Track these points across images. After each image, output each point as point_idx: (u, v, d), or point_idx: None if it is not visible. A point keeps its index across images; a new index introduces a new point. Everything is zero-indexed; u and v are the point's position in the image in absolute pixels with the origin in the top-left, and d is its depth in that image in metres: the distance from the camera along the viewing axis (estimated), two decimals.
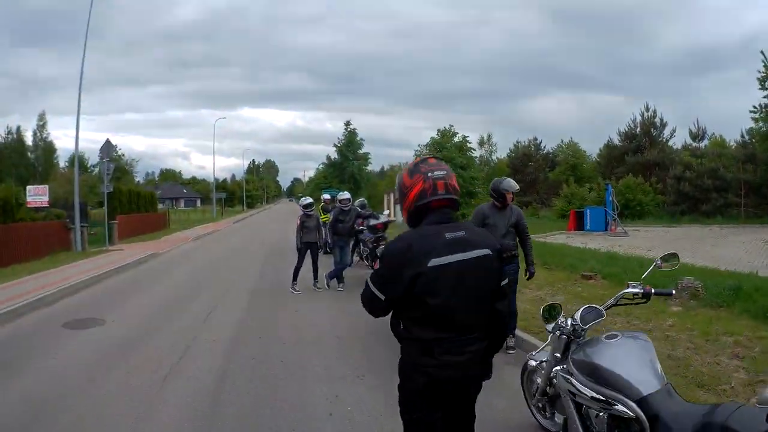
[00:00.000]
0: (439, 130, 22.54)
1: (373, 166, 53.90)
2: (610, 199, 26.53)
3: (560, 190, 39.26)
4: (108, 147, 22.10)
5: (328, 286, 11.28)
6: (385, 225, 12.08)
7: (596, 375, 3.01)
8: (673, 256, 3.94)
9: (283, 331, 7.93)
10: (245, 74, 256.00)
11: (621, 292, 3.63)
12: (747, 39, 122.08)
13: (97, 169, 41.81)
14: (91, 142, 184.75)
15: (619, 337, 3.18)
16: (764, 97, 28.09)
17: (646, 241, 20.67)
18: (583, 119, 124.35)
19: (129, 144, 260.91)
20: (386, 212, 13.22)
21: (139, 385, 5.70)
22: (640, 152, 40.19)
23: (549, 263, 13.12)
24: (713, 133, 41.00)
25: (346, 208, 11.57)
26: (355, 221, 11.77)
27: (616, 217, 26.10)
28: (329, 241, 11.72)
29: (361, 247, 13.44)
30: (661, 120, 41.91)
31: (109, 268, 14.66)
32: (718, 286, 8.42)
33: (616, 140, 44.27)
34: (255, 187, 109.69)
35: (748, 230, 25.01)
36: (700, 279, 8.80)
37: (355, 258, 12.32)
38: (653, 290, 3.63)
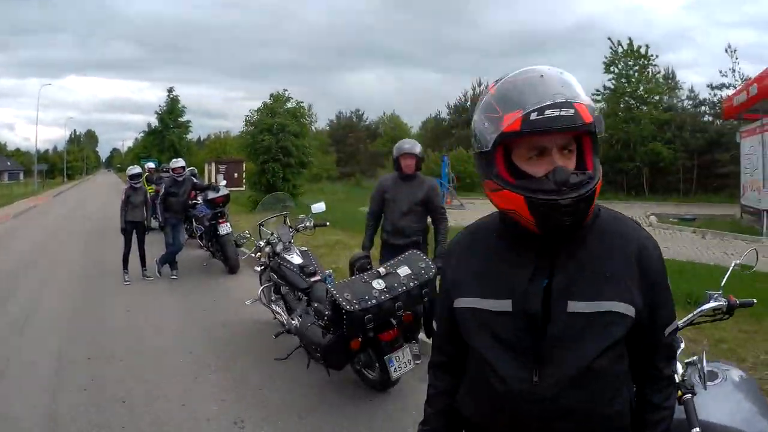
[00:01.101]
0: (271, 95, 21.36)
1: (192, 136, 51.28)
2: (446, 171, 27.27)
3: (386, 161, 40.44)
4: None
5: (160, 273, 9.86)
6: (226, 199, 10.70)
7: None
8: (752, 254, 2.74)
9: (118, 344, 6.36)
10: (76, 41, 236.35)
11: (699, 309, 2.53)
12: (574, 28, 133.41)
13: None
14: None
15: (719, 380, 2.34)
16: (609, 80, 31.93)
17: (483, 214, 21.45)
18: (402, 95, 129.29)
19: None
20: (223, 182, 11.73)
21: None
22: (469, 126, 41.67)
23: None
24: None
25: (180, 179, 10.04)
26: (189, 194, 10.44)
27: (451, 189, 26.89)
28: (160, 219, 9.99)
29: (194, 224, 11.87)
30: None
31: None
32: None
33: (445, 114, 46.06)
34: (76, 158, 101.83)
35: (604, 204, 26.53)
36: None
37: (184, 237, 10.62)
38: (737, 301, 2.52)
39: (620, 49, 32.29)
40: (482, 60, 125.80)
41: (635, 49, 32.15)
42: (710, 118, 32.66)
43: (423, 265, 4.36)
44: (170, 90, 47.56)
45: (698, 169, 30.65)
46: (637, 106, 31.61)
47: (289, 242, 6.17)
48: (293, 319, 5.45)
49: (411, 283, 4.19)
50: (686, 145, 30.50)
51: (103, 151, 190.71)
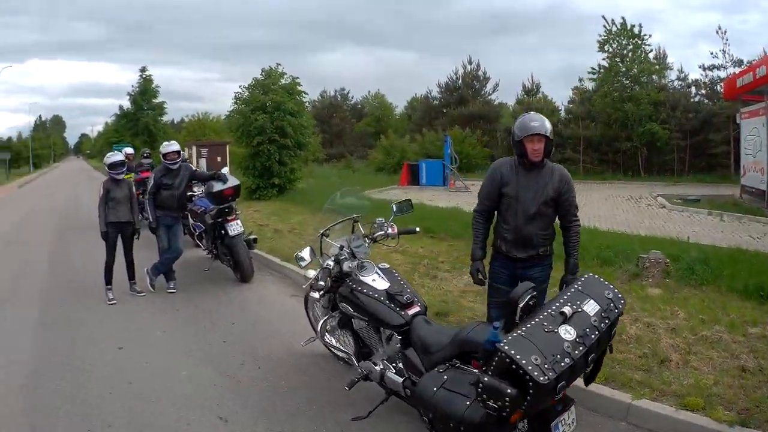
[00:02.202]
0: (263, 70, 18.96)
1: (166, 118, 48.29)
2: (449, 151, 25.26)
3: (374, 142, 38.82)
4: None
5: (153, 287, 7.75)
6: (237, 191, 8.30)
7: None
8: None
9: (110, 414, 4.23)
10: (37, 23, 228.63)
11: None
12: (545, 8, 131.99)
13: None
14: None
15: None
16: (603, 59, 31.50)
17: None
18: (378, 75, 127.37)
19: None
20: (225, 169, 9.36)
21: None
22: (462, 105, 39.87)
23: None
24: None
25: (175, 166, 7.80)
26: (188, 185, 8.19)
27: (455, 170, 24.93)
28: (151, 218, 7.74)
29: (191, 221, 9.56)
30: (484, 74, 42.05)
31: None
32: (682, 260, 6.91)
33: (436, 92, 43.79)
34: (42, 145, 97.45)
35: (597, 186, 25.19)
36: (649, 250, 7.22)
37: (182, 240, 8.25)
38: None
39: (614, 28, 31.55)
40: (456, 41, 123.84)
41: (629, 28, 31.40)
42: (701, 99, 32.79)
43: (610, 295, 3.11)
44: (143, 69, 44.40)
45: (691, 149, 30.73)
46: (632, 86, 31.21)
47: (366, 258, 4.37)
48: (376, 365, 4.10)
49: (602, 324, 2.96)
50: (680, 125, 30.43)
51: (71, 137, 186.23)
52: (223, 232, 8.09)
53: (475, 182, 25.94)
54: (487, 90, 42.01)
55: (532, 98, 37.43)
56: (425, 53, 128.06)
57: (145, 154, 15.22)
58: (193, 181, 8.67)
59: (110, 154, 7.76)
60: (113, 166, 7.43)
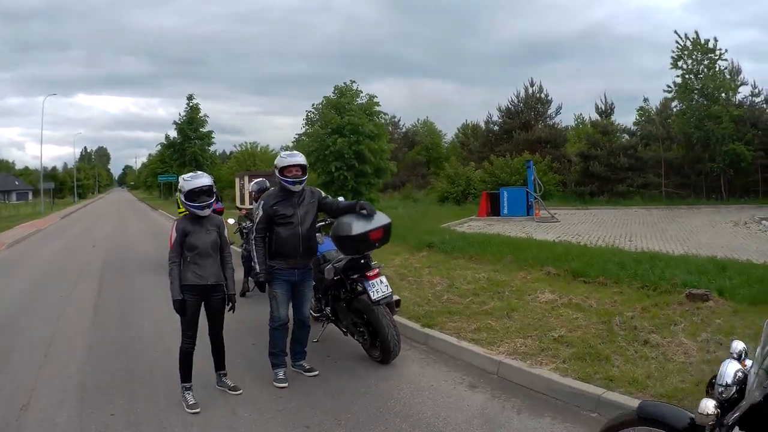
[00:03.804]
0: (336, 87, 16.64)
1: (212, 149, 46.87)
2: (532, 177, 22.52)
3: (426, 171, 36.17)
4: None
5: (282, 381, 5.06)
6: (387, 233, 5.42)
7: None
8: None
9: None
10: (85, 58, 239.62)
11: None
12: (584, 34, 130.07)
13: None
14: None
15: None
16: (677, 76, 29.55)
17: (593, 228, 17.88)
18: (417, 105, 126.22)
19: None
20: (340, 197, 6.75)
21: None
22: (526, 129, 37.17)
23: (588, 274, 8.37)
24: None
25: (297, 188, 5.13)
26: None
27: (539, 199, 22.19)
28: (258, 269, 5.11)
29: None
30: (546, 96, 39.32)
31: None
32: None
33: (496, 117, 41.19)
34: (87, 175, 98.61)
35: (687, 213, 23.13)
36: None
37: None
38: None
39: (688, 43, 29.43)
40: (494, 69, 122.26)
41: (703, 43, 29.27)
42: None
43: None
44: (190, 97, 43.25)
45: None
46: (710, 105, 28.91)
47: None
48: None
49: None
50: (764, 144, 28.44)
51: (115, 169, 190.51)
52: (350, 292, 5.49)
53: (558, 211, 23.21)
54: (549, 113, 39.40)
55: (606, 120, 34.52)
56: (462, 83, 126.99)
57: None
58: (326, 212, 5.72)
59: (189, 176, 4.91)
60: (195, 195, 4.67)
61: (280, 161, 5.19)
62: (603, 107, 35.88)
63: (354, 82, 16.84)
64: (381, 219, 5.33)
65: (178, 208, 13.09)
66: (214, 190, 4.87)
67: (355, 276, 5.41)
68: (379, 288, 5.24)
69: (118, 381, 5.25)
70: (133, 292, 9.59)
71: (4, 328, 7.44)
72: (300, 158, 5.20)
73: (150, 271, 11.50)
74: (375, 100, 16.77)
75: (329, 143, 15.25)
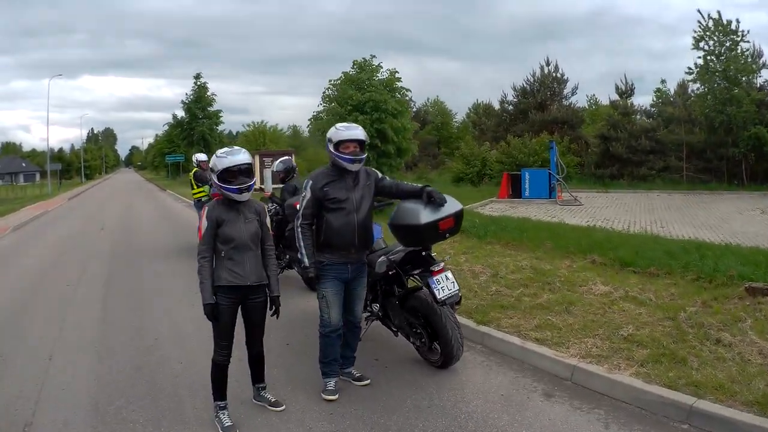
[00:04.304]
0: (355, 62, 15.88)
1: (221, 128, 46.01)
2: (555, 159, 21.79)
3: (438, 151, 35.09)
4: None
5: (332, 393, 4.43)
6: (458, 221, 4.73)
7: None
8: None
9: None
10: (89, 41, 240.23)
11: None
12: (591, 13, 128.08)
13: None
14: None
15: None
16: (698, 57, 28.23)
17: (619, 212, 17.18)
18: (424, 84, 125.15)
19: None
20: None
21: None
22: (542, 109, 36.21)
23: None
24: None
25: (355, 166, 4.41)
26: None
27: (561, 181, 21.47)
28: (306, 261, 4.39)
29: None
30: (562, 75, 38.26)
31: None
32: None
33: (511, 96, 40.09)
34: (94, 156, 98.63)
35: (711, 198, 22.09)
36: None
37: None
38: None
39: (710, 23, 28.06)
40: (501, 48, 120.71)
41: (725, 24, 27.88)
42: None
43: None
44: (197, 76, 42.27)
45: None
46: (731, 87, 27.76)
47: None
48: None
49: None
50: None
51: (122, 150, 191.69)
52: (403, 287, 4.88)
53: (579, 193, 22.46)
54: (565, 94, 38.34)
55: (626, 100, 33.48)
56: (468, 62, 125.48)
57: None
58: (378, 199, 4.90)
59: (223, 151, 4.13)
60: (231, 174, 3.95)
61: (335, 134, 4.41)
62: (623, 87, 34.79)
63: (374, 56, 16.01)
64: (452, 206, 4.60)
65: (192, 188, 12.08)
66: (251, 170, 4.12)
67: (417, 272, 4.76)
68: (445, 285, 4.56)
69: (136, 399, 4.52)
70: (144, 284, 8.87)
71: (14, 316, 6.89)
72: (360, 132, 4.46)
73: (162, 258, 10.96)
74: (397, 75, 15.97)
75: (351, 121, 14.55)
